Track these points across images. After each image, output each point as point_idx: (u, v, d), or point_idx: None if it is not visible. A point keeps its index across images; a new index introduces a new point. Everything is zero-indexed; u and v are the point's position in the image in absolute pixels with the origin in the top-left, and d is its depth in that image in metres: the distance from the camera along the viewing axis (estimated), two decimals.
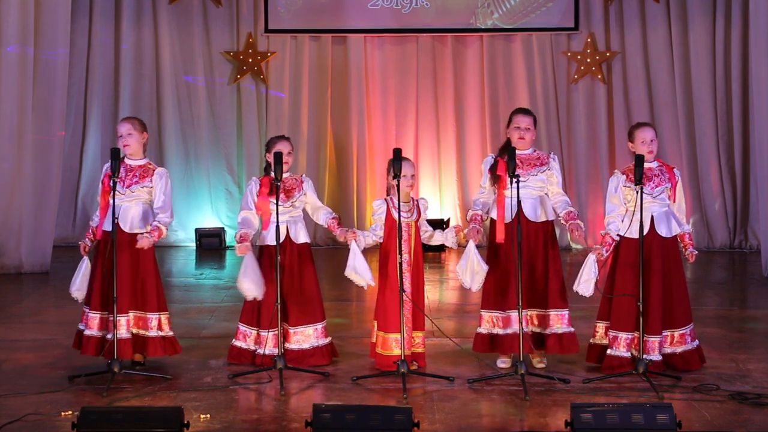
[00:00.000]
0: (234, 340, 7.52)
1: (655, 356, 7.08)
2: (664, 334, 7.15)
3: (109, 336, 7.11)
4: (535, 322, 7.32)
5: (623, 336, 7.13)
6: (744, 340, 8.38)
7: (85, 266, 7.30)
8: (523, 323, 7.07)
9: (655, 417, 5.70)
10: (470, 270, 7.19)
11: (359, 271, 7.21)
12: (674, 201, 7.23)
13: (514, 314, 7.18)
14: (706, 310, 9.59)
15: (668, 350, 7.18)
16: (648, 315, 7.01)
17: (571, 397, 6.52)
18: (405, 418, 5.70)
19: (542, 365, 7.34)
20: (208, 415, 6.23)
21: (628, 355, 7.12)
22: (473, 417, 6.34)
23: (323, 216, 7.55)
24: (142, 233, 7.18)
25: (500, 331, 7.29)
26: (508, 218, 7.20)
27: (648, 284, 7.02)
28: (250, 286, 7.23)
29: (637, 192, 6.92)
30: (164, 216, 7.28)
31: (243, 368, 7.28)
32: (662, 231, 7.15)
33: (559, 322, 7.28)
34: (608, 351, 7.19)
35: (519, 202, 7.04)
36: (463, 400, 6.63)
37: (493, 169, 7.34)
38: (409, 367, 6.93)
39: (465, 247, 7.27)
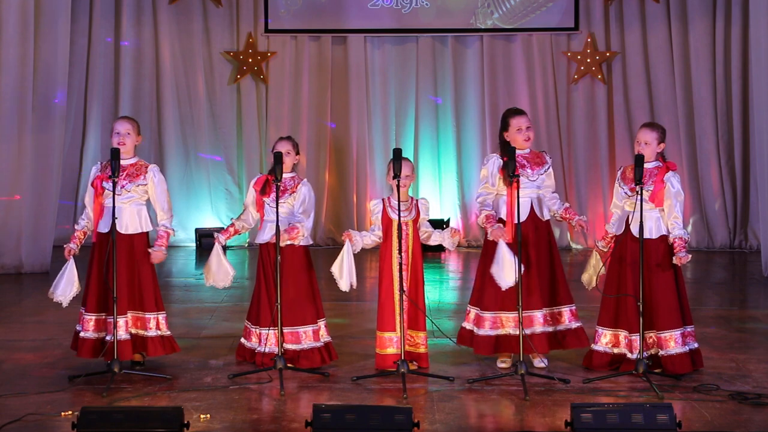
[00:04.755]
0: (242, 338, 7.53)
1: (635, 355, 7.07)
2: (646, 334, 7.14)
3: (108, 338, 7.11)
4: (549, 320, 7.33)
5: (604, 331, 7.23)
6: (744, 340, 8.38)
7: (69, 270, 7.14)
8: (538, 323, 7.24)
9: (655, 417, 5.70)
10: (506, 268, 7.07)
11: (344, 271, 7.19)
12: (657, 205, 7.09)
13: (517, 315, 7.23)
14: (706, 310, 9.59)
15: (652, 351, 7.15)
16: (627, 313, 7.10)
17: (571, 397, 6.52)
18: (405, 418, 5.70)
19: (542, 365, 7.35)
20: (208, 415, 6.23)
21: (609, 351, 7.21)
22: (473, 417, 6.35)
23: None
24: (138, 234, 7.24)
25: (501, 332, 7.30)
26: (522, 218, 7.15)
27: (625, 283, 7.10)
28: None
29: (638, 192, 6.93)
30: (166, 219, 7.35)
31: (243, 368, 7.28)
32: (637, 231, 7.06)
33: (573, 317, 7.35)
34: (591, 346, 7.29)
35: (531, 202, 7.24)
36: (463, 400, 6.64)
37: (508, 168, 7.26)
38: (408, 367, 6.93)
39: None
